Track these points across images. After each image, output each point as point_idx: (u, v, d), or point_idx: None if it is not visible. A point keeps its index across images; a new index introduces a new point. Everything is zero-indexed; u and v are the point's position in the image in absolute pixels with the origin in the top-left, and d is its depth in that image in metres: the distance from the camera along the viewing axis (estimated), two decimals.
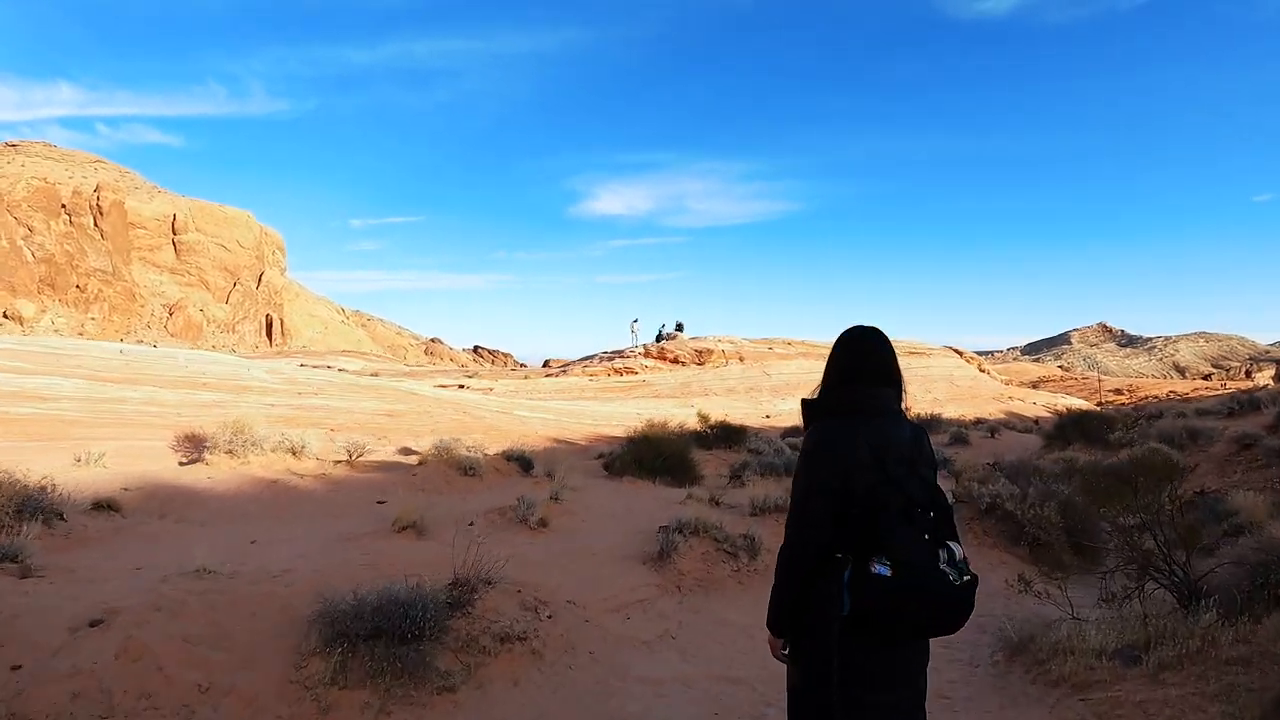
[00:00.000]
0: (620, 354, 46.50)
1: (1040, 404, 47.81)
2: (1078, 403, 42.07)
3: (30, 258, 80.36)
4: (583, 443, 19.66)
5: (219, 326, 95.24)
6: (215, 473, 9.71)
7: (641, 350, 45.56)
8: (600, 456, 12.95)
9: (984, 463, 15.89)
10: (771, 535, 8.12)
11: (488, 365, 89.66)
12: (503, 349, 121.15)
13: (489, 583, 5.69)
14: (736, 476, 12.03)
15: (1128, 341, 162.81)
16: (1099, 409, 33.19)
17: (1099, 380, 71.72)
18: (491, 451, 12.03)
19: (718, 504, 9.51)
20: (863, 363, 2.36)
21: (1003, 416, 37.81)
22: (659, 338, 47.17)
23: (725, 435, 17.01)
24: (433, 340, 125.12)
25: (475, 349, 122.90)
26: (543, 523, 8.01)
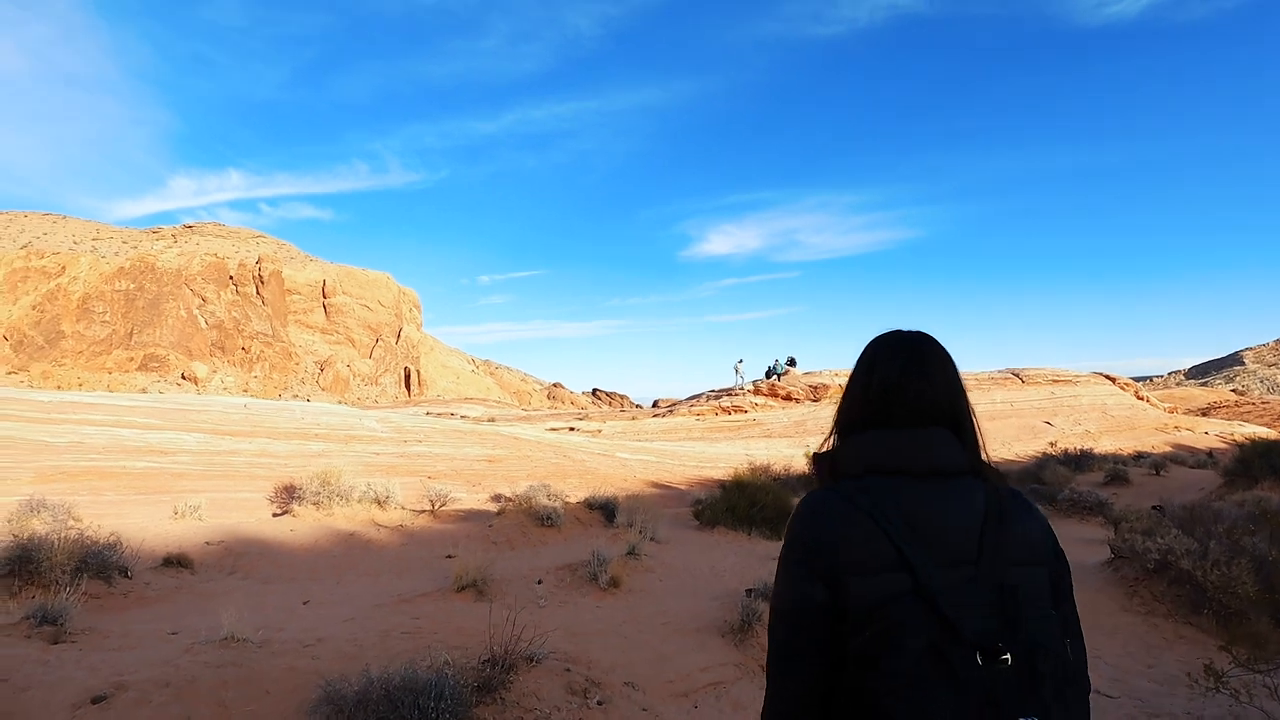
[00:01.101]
0: (728, 392, 45.17)
1: (1213, 433, 41.97)
2: (1261, 431, 36.47)
3: (204, 325, 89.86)
4: (683, 486, 18.74)
5: (363, 380, 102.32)
6: (298, 524, 9.64)
7: (750, 388, 44.06)
8: (696, 503, 12.01)
9: (1149, 506, 13.58)
10: None
11: (605, 407, 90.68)
12: (620, 390, 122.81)
13: (533, 659, 4.96)
14: None
15: None
16: None
17: None
18: (578, 498, 11.41)
19: None
20: (895, 389, 1.42)
21: (1168, 449, 33.32)
22: (769, 374, 45.53)
23: None
24: (554, 385, 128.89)
25: (594, 392, 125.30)
26: (614, 583, 7.21)
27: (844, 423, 1.47)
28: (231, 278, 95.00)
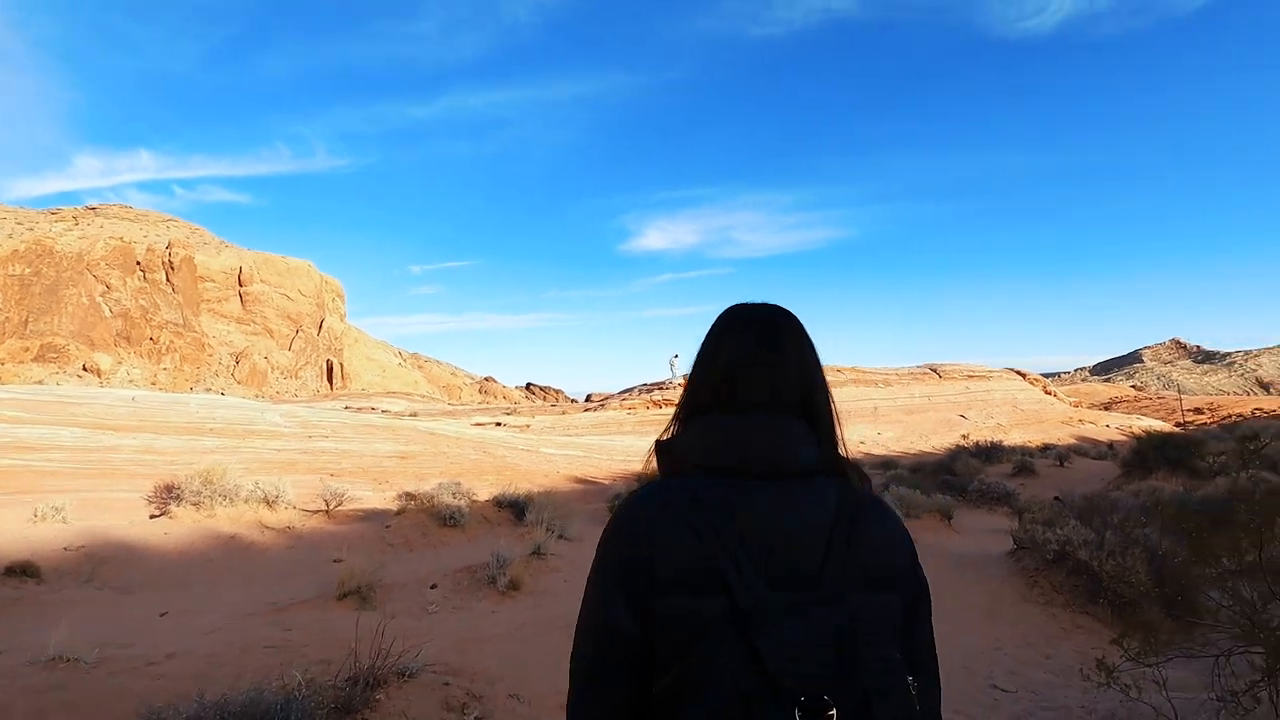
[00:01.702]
0: (660, 385, 45.16)
1: (1114, 427, 44.48)
2: (1156, 424, 38.81)
3: (108, 314, 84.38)
4: (607, 481, 18.43)
5: (282, 373, 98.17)
6: (175, 527, 8.85)
7: (681, 381, 43.98)
8: (614, 498, 11.69)
9: (1052, 497, 14.05)
10: None
11: (539, 402, 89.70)
12: (554, 385, 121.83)
13: (406, 674, 4.52)
14: None
15: (1204, 358, 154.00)
16: (1180, 430, 30.33)
17: (1179, 399, 67.05)
18: (491, 495, 10.92)
19: None
20: (743, 367, 1.16)
21: (1073, 441, 35.04)
22: None
23: None
24: (486, 379, 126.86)
25: (528, 386, 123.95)
26: (514, 585, 6.82)
27: (689, 407, 1.19)
28: (139, 263, 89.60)
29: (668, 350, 56.02)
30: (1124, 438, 36.65)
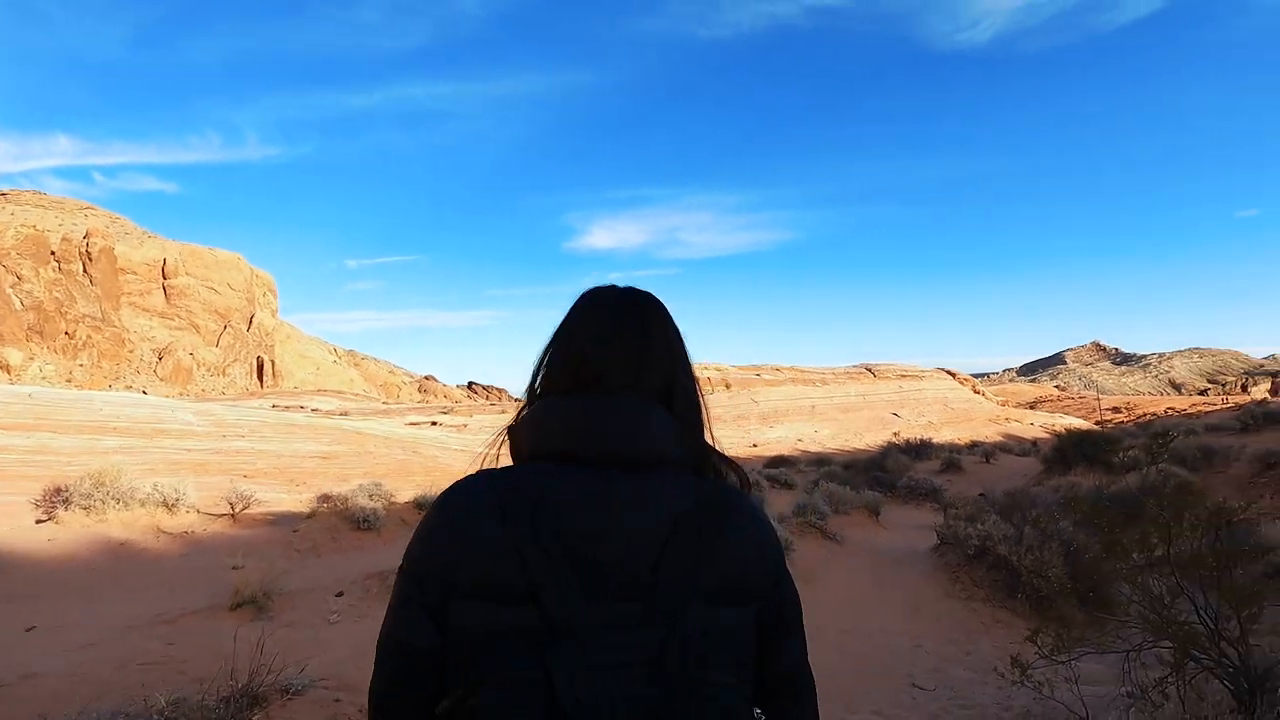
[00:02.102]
0: None
1: (1038, 425, 46.33)
2: (1076, 422, 40.57)
3: (19, 305, 79.63)
4: None
5: (209, 370, 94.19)
6: (61, 533, 8.17)
7: None
8: None
9: (977, 493, 14.38)
10: None
11: (481, 401, 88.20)
12: (498, 385, 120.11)
13: (291, 691, 4.16)
14: None
15: (1122, 359, 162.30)
16: (1099, 428, 31.76)
17: (1098, 399, 70.41)
18: (412, 497, 10.48)
19: None
20: (597, 344, 1.03)
21: (999, 439, 36.31)
22: None
23: None
24: (426, 378, 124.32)
25: (470, 385, 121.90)
26: None
27: (543, 389, 1.04)
28: (54, 253, 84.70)
29: None
30: (1047, 435, 38.17)
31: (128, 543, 7.90)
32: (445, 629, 0.87)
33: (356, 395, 64.99)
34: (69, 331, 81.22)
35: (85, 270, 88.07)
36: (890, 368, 52.38)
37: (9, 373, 70.68)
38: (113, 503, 8.86)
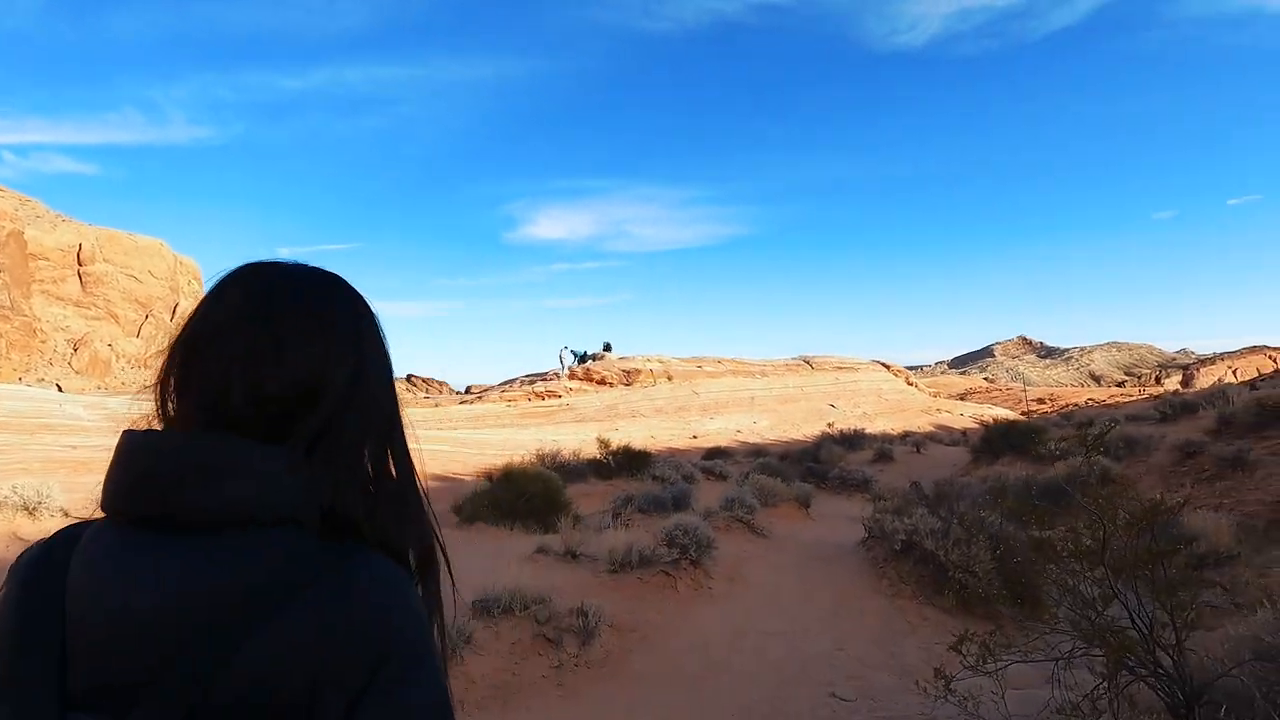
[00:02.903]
0: (542, 376, 44.15)
1: (968, 415, 47.66)
2: (1004, 413, 41.86)
3: None
4: (470, 478, 17.32)
5: (129, 361, 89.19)
6: None
7: (567, 373, 43.39)
8: (467, 499, 10.74)
9: (908, 483, 14.35)
10: (621, 606, 6.12)
11: (421, 394, 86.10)
12: (439, 378, 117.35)
13: None
14: (619, 514, 10.03)
15: (1047, 353, 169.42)
16: (1025, 418, 32.70)
17: (1024, 390, 73.12)
18: None
19: (575, 556, 7.46)
20: (196, 353, 0.73)
21: (931, 429, 37.10)
22: (582, 359, 45.14)
23: (628, 463, 15.01)
24: None
25: (408, 378, 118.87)
26: None
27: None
28: None
29: (568, 341, 55.17)
30: (976, 425, 39.20)
31: None
32: None
33: None
34: None
35: None
36: (828, 360, 53.09)
37: None
38: None
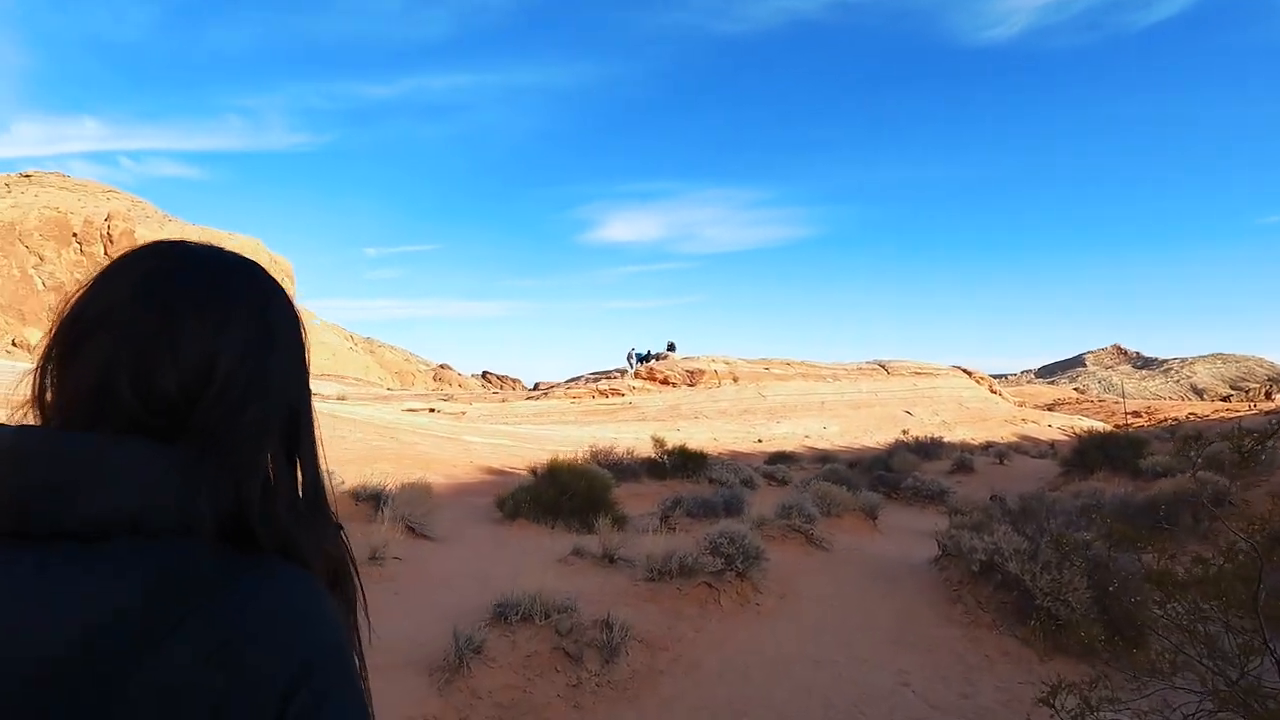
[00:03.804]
0: (606, 375, 43.98)
1: (1056, 426, 44.78)
2: (1098, 425, 39.02)
3: (40, 286, 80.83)
4: (523, 472, 17.07)
5: None
6: None
7: (634, 373, 43.08)
8: (514, 493, 10.37)
9: (989, 496, 13.19)
10: (655, 619, 5.52)
11: (491, 390, 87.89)
12: (513, 375, 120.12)
13: None
14: (667, 517, 9.43)
15: (1143, 364, 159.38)
16: (1120, 431, 30.33)
17: (1123, 402, 68.44)
18: (351, 486, 9.48)
19: (612, 560, 6.92)
20: (80, 340, 0.63)
21: (1015, 440, 34.93)
22: (645, 358, 44.75)
23: (683, 463, 14.37)
24: (441, 366, 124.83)
25: (484, 375, 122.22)
26: None
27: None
28: (75, 235, 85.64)
29: (636, 342, 55.21)
30: (1065, 437, 36.73)
31: None
32: None
33: (359, 380, 64.62)
34: None
35: (106, 252, 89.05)
36: (904, 365, 50.97)
37: (30, 352, 71.44)
38: None
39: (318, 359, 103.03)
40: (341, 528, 0.72)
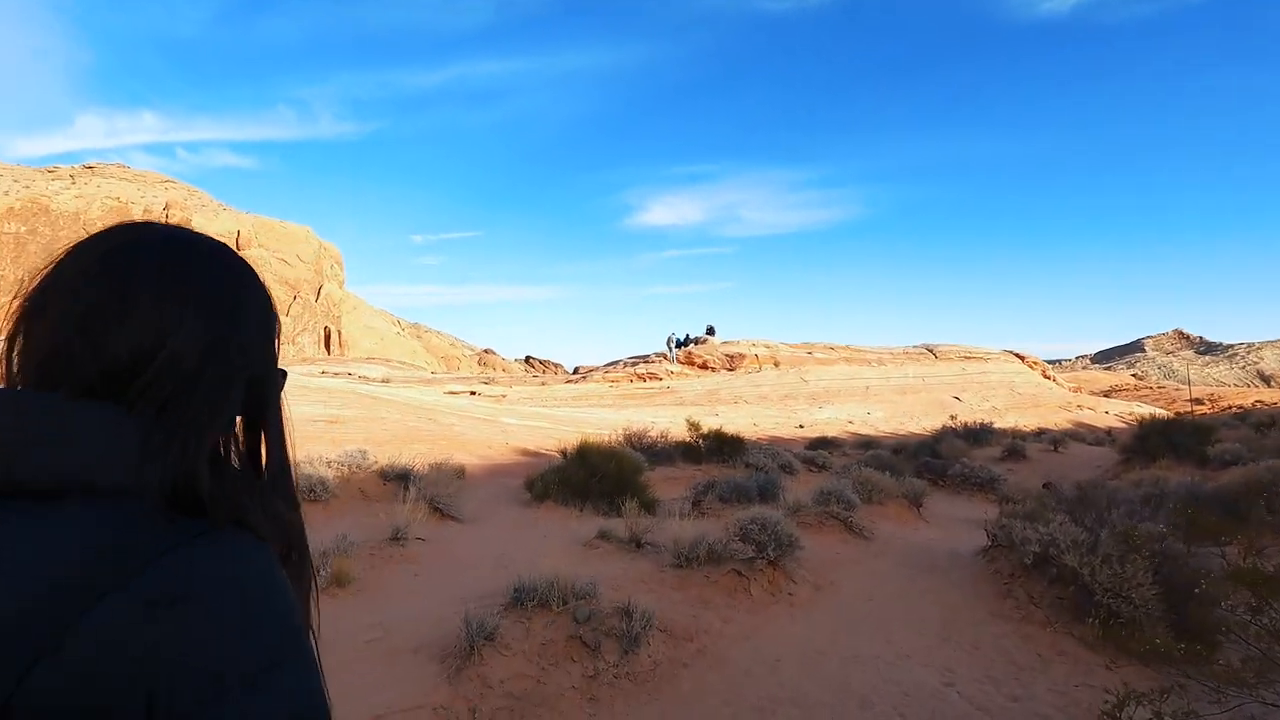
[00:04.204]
0: (644, 359, 43.70)
1: (1113, 413, 43.02)
2: (1157, 411, 37.27)
3: None
4: (557, 454, 16.95)
5: (280, 338, 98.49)
6: None
7: (675, 358, 42.71)
8: (543, 474, 10.19)
9: (1041, 484, 12.54)
10: (680, 608, 5.25)
11: (533, 374, 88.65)
12: (554, 359, 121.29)
13: None
14: (698, 501, 9.13)
15: (1206, 349, 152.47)
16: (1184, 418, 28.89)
17: (1185, 388, 65.52)
18: (382, 466, 9.41)
19: (639, 545, 6.66)
20: (38, 308, 0.66)
21: (1069, 427, 33.60)
22: (683, 343, 44.32)
23: (718, 447, 14.02)
24: (486, 351, 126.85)
25: (527, 359, 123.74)
26: (339, 580, 5.32)
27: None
28: None
29: (670, 326, 54.86)
30: (1123, 424, 35.24)
31: None
32: None
33: (404, 364, 65.48)
34: None
35: None
36: (953, 349, 49.51)
37: None
38: None
39: (368, 344, 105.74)
40: (299, 505, 0.74)
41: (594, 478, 9.02)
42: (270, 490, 0.70)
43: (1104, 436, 26.80)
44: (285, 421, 0.73)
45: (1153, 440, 15.01)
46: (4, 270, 73.73)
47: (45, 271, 0.67)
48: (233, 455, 0.70)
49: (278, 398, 0.73)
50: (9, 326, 0.67)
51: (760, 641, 5.00)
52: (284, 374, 0.76)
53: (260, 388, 0.71)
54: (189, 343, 0.64)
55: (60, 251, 0.69)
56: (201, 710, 0.52)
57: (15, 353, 0.65)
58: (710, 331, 46.56)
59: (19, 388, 0.64)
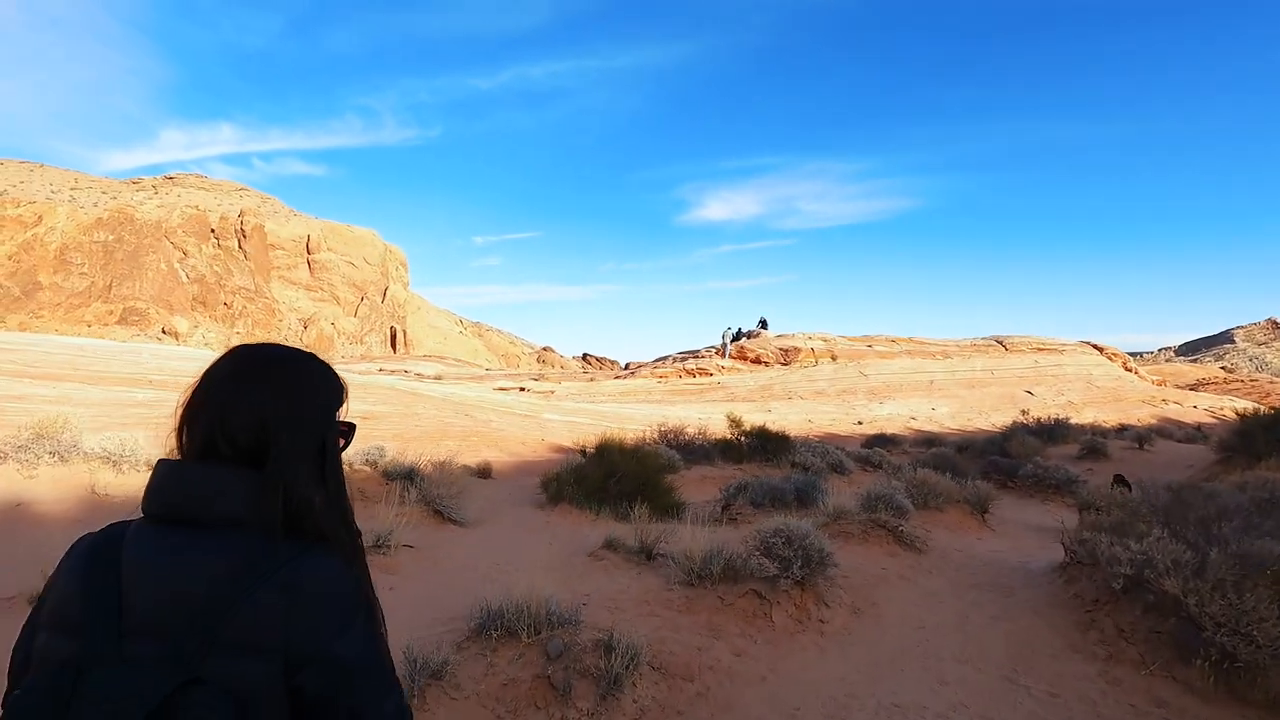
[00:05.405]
0: (695, 354, 42.68)
1: (1202, 408, 39.79)
2: (1250, 406, 34.22)
3: (184, 279, 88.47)
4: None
5: (348, 338, 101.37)
6: None
7: (731, 352, 41.55)
8: (560, 473, 9.47)
9: (1111, 477, 11.15)
10: (682, 637, 4.41)
11: (595, 371, 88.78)
12: (611, 356, 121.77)
13: None
14: (729, 504, 8.23)
15: None
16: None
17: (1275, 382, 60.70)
18: (402, 462, 8.84)
19: (650, 556, 5.84)
20: (199, 405, 1.14)
21: (1154, 422, 31.11)
22: (736, 336, 43.11)
23: (761, 445, 13.04)
24: (545, 349, 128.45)
25: (584, 357, 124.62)
26: None
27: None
28: (213, 231, 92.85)
29: (725, 322, 53.66)
30: (1213, 420, 32.48)
31: (22, 505, 6.68)
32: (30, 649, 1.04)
33: (459, 361, 66.04)
34: (227, 302, 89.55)
35: (240, 246, 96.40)
36: (1024, 340, 46.80)
37: (178, 339, 78.02)
38: (49, 457, 7.80)
39: (431, 343, 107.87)
40: (354, 519, 1.19)
41: (612, 478, 8.24)
42: (337, 515, 1.12)
43: (1194, 433, 24.54)
44: (342, 468, 1.18)
45: (1258, 436, 13.28)
46: (95, 276, 77.67)
47: (196, 384, 1.12)
48: (309, 492, 1.10)
49: (337, 451, 1.16)
50: (178, 422, 1.10)
51: (778, 683, 4.12)
52: (352, 427, 1.20)
53: (324, 445, 1.13)
54: (275, 420, 1.07)
55: (204, 370, 1.12)
56: (314, 643, 0.97)
57: (184, 438, 1.09)
58: (763, 324, 45.24)
59: (189, 458, 1.07)
